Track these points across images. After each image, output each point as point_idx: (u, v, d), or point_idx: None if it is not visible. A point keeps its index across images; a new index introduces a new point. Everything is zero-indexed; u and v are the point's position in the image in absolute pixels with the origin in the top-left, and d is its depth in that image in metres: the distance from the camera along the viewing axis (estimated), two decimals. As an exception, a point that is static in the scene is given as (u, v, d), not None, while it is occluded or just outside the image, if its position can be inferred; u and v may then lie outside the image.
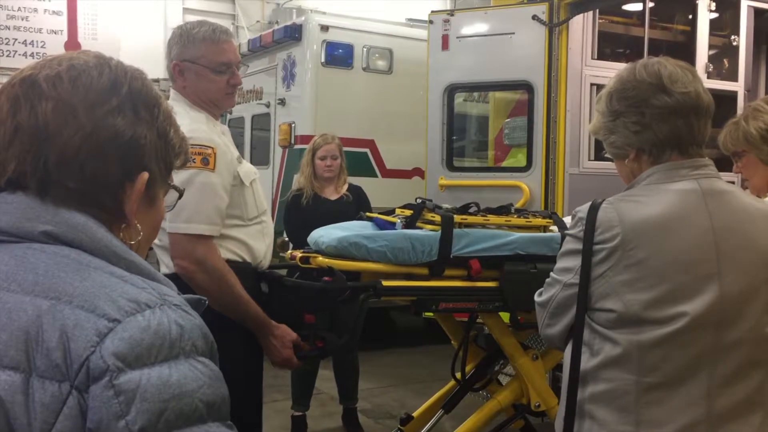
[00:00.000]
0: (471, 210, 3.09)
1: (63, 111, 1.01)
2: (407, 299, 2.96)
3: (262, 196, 2.62)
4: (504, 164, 5.60)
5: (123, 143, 1.04)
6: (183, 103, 2.47)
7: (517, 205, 5.03)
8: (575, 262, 1.70)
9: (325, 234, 2.82)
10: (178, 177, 2.28)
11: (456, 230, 2.86)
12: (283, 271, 2.86)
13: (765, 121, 2.26)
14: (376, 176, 6.93)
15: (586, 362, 1.70)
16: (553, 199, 5.01)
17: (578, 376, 1.70)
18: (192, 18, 11.93)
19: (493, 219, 3.07)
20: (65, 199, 1.02)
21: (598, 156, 4.96)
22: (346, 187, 4.93)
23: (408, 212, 3.04)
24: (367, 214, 3.25)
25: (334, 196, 4.88)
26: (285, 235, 5.29)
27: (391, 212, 3.18)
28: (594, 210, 1.68)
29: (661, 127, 1.70)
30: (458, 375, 3.44)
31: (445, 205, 3.19)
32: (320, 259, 2.74)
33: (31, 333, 0.91)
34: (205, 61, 2.46)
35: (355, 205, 4.91)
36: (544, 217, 3.27)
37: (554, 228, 3.19)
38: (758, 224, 1.70)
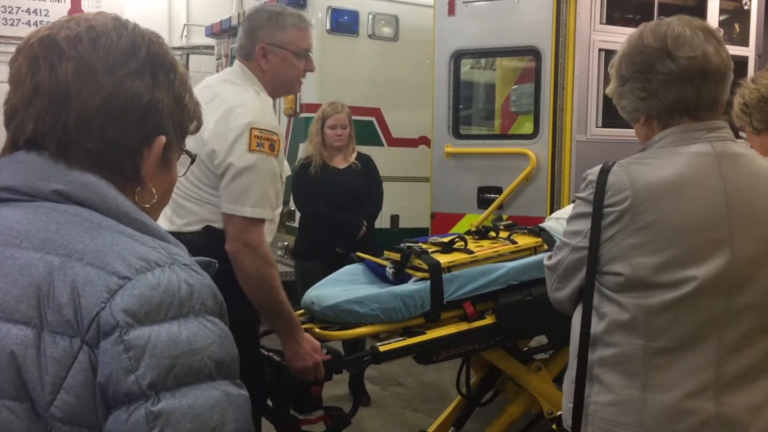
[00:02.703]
0: (456, 245, 3.05)
1: (83, 72, 1.01)
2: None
3: (282, 192, 2.68)
4: (511, 132, 5.57)
5: (141, 106, 1.04)
6: (252, 83, 2.56)
7: (524, 174, 5.04)
8: (584, 225, 1.69)
9: (317, 300, 2.81)
10: (245, 160, 2.36)
11: (445, 275, 2.86)
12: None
13: (743, 95, 2.35)
14: (382, 145, 6.90)
15: (594, 326, 1.70)
16: (560, 167, 4.98)
17: (588, 340, 1.70)
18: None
19: (480, 253, 3.03)
20: (81, 161, 1.02)
21: (606, 123, 4.92)
22: (354, 155, 4.92)
23: (396, 255, 3.02)
24: (358, 254, 3.25)
25: (342, 165, 4.87)
26: (291, 204, 5.29)
27: (380, 254, 3.19)
28: (604, 173, 1.67)
29: (667, 93, 1.68)
30: (464, 390, 3.43)
31: (431, 239, 3.18)
32: (317, 330, 2.74)
33: (42, 289, 0.92)
34: (292, 47, 2.57)
35: (364, 174, 4.91)
36: (532, 235, 3.23)
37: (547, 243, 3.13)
38: None
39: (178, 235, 2.39)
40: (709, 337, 1.62)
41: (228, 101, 2.43)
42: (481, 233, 3.29)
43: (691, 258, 1.60)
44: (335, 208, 4.79)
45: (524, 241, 3.19)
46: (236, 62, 2.64)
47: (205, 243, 2.40)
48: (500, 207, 5.13)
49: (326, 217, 4.77)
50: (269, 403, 2.67)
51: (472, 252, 3.03)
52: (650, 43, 1.70)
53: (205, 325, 0.95)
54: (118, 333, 0.89)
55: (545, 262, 1.86)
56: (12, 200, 1.01)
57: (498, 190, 5.19)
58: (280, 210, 2.67)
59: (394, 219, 6.81)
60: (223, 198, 2.42)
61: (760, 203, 1.66)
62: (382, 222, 6.13)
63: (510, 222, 3.51)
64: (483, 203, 5.24)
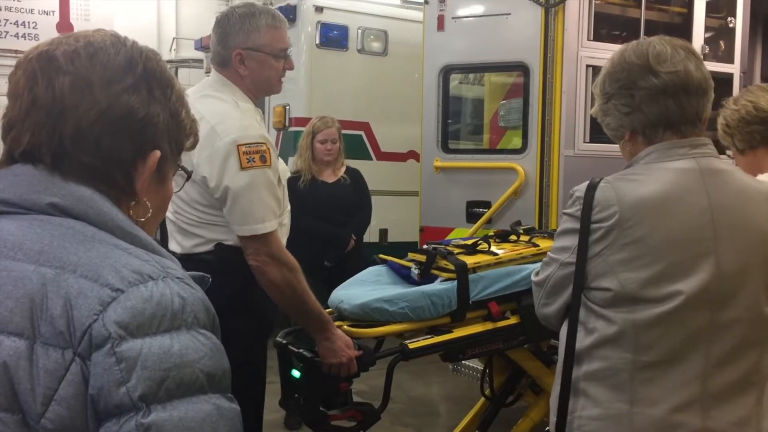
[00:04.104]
0: (479, 247, 3.13)
1: (80, 86, 1.03)
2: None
3: (287, 195, 2.66)
4: (499, 146, 5.59)
5: (137, 121, 1.06)
6: (232, 93, 2.49)
7: (512, 188, 5.06)
8: (572, 241, 1.70)
9: (346, 299, 2.85)
10: (240, 179, 2.32)
11: (471, 276, 2.92)
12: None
13: (724, 115, 2.43)
14: (370, 159, 6.91)
15: (581, 341, 1.71)
16: (548, 182, 5.01)
17: (573, 354, 1.72)
18: (185, -1, 11.87)
19: (504, 255, 3.11)
20: (77, 174, 1.03)
21: (594, 138, 4.95)
22: (343, 169, 4.93)
23: (421, 257, 3.07)
24: (381, 256, 3.29)
25: (331, 179, 4.88)
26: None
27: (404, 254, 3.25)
28: (592, 189, 1.69)
29: (650, 108, 1.71)
30: (488, 392, 3.48)
31: (454, 241, 3.24)
32: (345, 328, 2.76)
33: (35, 301, 0.93)
34: (269, 49, 2.50)
35: (353, 188, 4.92)
36: (552, 239, 3.29)
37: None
38: (756, 203, 1.71)
39: (190, 257, 2.43)
40: (696, 351, 1.63)
41: (209, 120, 2.34)
42: (502, 236, 3.36)
43: (678, 273, 1.62)
44: (324, 222, 4.79)
45: (545, 244, 3.25)
46: (213, 71, 2.56)
47: (220, 260, 2.40)
48: (489, 221, 5.14)
49: (315, 230, 4.77)
50: (299, 399, 2.69)
51: (496, 254, 3.11)
52: (633, 60, 1.73)
53: (197, 338, 0.95)
54: (110, 345, 0.89)
55: (533, 278, 1.88)
56: (7, 213, 1.02)
57: (487, 205, 5.20)
58: (288, 209, 2.65)
59: (383, 233, 6.81)
60: (230, 221, 2.40)
61: (743, 218, 1.69)
62: (371, 236, 6.13)
63: (530, 226, 3.58)
64: (472, 217, 5.26)
